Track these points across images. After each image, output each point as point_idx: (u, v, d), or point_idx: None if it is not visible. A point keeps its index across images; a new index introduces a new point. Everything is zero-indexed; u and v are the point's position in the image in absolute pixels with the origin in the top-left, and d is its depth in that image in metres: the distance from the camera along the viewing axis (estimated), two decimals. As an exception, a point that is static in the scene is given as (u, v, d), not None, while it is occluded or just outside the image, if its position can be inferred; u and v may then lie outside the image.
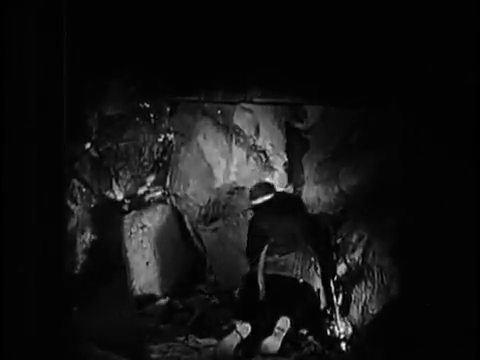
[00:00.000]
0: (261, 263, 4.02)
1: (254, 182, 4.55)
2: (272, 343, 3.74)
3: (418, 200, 3.17)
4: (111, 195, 4.74)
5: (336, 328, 3.98)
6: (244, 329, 3.75)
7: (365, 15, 3.83)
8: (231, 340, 3.71)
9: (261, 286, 3.93)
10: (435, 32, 3.00)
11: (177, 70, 4.48)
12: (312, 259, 4.11)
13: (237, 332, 3.73)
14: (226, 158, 4.85)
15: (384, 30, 3.74)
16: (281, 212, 4.23)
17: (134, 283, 4.39)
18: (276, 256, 4.05)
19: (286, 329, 3.78)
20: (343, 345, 3.90)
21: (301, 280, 4.00)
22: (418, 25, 3.14)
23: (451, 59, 2.92)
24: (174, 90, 4.71)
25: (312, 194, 4.69)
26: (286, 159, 4.79)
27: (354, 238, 4.23)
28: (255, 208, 4.31)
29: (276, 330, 3.76)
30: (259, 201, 4.26)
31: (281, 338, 3.76)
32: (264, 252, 4.06)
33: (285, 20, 4.09)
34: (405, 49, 3.35)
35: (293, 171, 4.83)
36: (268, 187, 4.34)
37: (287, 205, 4.32)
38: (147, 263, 4.45)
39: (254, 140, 4.81)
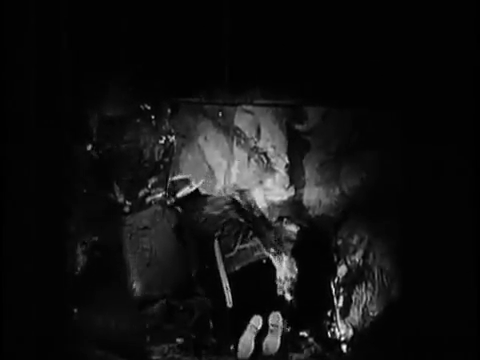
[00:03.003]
0: (220, 265, 3.90)
1: (253, 183, 4.60)
2: (271, 342, 3.74)
3: (418, 201, 3.17)
4: (112, 197, 4.73)
5: (336, 330, 3.98)
6: (257, 321, 3.75)
7: (365, 15, 3.84)
8: (249, 335, 3.72)
9: (227, 293, 3.81)
10: (435, 32, 3.00)
11: (178, 71, 4.49)
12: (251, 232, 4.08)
13: (252, 325, 3.73)
14: (227, 160, 4.85)
15: (384, 30, 3.74)
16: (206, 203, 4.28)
17: (134, 284, 4.38)
18: (234, 247, 3.95)
19: (280, 323, 3.78)
20: (344, 347, 3.90)
21: (264, 260, 3.94)
22: (418, 25, 3.14)
23: (451, 59, 2.92)
24: (175, 92, 4.71)
25: (313, 196, 4.68)
26: (287, 161, 4.78)
27: (355, 239, 4.24)
28: (180, 202, 4.39)
29: (271, 327, 3.77)
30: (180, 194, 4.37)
31: (279, 334, 3.77)
32: (218, 251, 3.96)
33: (285, 21, 4.09)
34: (405, 49, 3.36)
35: (294, 173, 4.82)
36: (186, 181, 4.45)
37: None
38: (147, 264, 4.45)
39: (255, 142, 4.81)
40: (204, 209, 4.21)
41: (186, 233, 4.30)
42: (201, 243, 4.08)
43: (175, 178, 4.53)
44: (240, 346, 3.69)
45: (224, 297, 3.81)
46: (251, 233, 4.06)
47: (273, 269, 4.02)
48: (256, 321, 3.75)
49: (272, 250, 4.21)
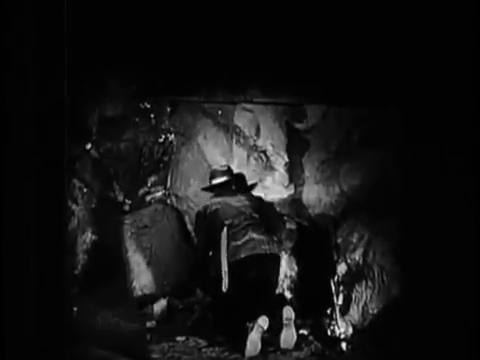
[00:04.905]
0: (223, 250, 3.97)
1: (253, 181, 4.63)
2: (288, 335, 3.81)
3: (419, 199, 3.17)
4: (112, 195, 4.74)
5: (336, 328, 3.99)
6: (264, 321, 3.76)
7: (365, 15, 3.84)
8: (256, 335, 3.74)
9: (225, 278, 3.89)
10: (435, 32, 2.99)
11: (177, 70, 4.49)
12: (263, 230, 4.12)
13: (259, 326, 3.74)
14: (227, 158, 4.85)
15: (384, 30, 3.74)
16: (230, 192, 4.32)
17: (134, 283, 4.38)
18: (243, 237, 4.00)
19: (293, 317, 3.83)
20: (343, 345, 3.91)
21: (269, 253, 3.99)
22: (418, 25, 3.14)
23: (451, 59, 2.92)
24: (174, 90, 4.71)
25: (313, 194, 4.68)
26: (287, 159, 4.77)
27: (355, 238, 4.24)
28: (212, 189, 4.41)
29: (285, 321, 3.81)
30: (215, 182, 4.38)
31: (293, 327, 3.82)
32: (224, 237, 4.01)
33: (285, 20, 4.09)
34: (405, 49, 3.35)
35: (294, 171, 4.82)
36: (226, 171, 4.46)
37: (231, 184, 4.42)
38: (147, 263, 4.45)
39: (254, 140, 4.81)
40: (226, 198, 4.24)
41: (199, 221, 4.27)
42: (210, 230, 4.12)
43: (214, 167, 4.54)
44: (248, 345, 3.72)
45: (220, 283, 3.88)
46: (263, 229, 4.10)
47: (278, 265, 4.09)
48: (263, 321, 3.76)
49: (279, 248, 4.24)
